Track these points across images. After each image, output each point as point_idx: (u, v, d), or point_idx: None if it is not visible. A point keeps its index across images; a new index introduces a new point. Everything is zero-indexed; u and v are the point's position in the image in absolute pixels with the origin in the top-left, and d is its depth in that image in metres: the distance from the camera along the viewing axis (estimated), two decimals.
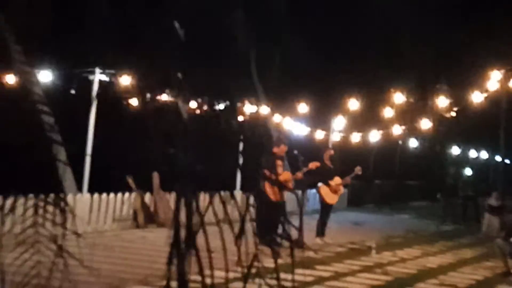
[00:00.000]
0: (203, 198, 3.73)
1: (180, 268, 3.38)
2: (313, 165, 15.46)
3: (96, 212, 15.63)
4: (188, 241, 3.39)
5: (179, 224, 3.49)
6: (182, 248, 3.39)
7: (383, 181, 31.65)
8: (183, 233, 3.52)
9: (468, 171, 24.34)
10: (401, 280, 12.20)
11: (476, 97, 14.55)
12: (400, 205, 29.72)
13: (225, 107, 18.37)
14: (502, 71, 13.73)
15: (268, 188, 14.68)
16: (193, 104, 17.04)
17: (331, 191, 16.11)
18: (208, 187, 3.81)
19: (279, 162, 15.04)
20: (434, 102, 16.20)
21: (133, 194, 16.58)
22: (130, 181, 16.53)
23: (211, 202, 3.74)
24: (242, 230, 3.92)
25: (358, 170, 16.53)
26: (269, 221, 14.56)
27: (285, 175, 15.01)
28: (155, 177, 17.03)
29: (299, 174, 15.03)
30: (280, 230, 14.69)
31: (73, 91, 13.43)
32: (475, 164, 43.36)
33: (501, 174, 27.23)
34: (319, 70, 27.60)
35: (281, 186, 14.58)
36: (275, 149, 15.17)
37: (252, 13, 25.26)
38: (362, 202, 28.16)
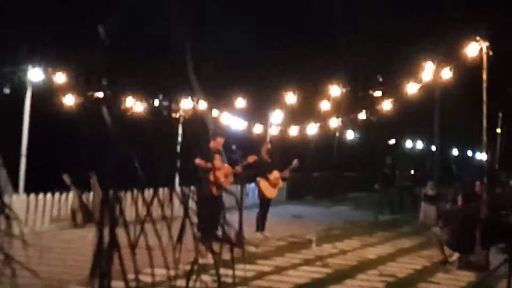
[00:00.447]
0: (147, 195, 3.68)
1: (104, 268, 3.33)
2: (251, 159, 15.47)
3: (33, 213, 15.39)
4: (111, 240, 3.33)
5: (102, 224, 3.42)
6: (105, 247, 3.33)
7: (322, 173, 31.87)
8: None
9: (388, 160, 24.62)
10: (341, 272, 12.29)
11: (411, 88, 14.73)
12: (339, 196, 29.97)
13: (160, 103, 18.29)
14: (435, 62, 13.94)
15: (208, 183, 14.69)
16: (129, 101, 16.92)
17: (270, 185, 16.14)
18: (142, 184, 3.76)
19: (216, 156, 15.02)
20: (370, 94, 16.39)
21: (71, 193, 16.37)
22: (66, 179, 16.29)
23: (146, 200, 3.69)
24: (183, 228, 3.89)
25: (295, 163, 16.58)
26: (210, 216, 14.64)
27: (225, 169, 14.99)
28: (93, 175, 16.83)
29: (238, 168, 15.03)
30: (220, 225, 14.75)
31: (7, 90, 13.17)
32: (411, 153, 44.11)
33: (436, 163, 27.68)
34: (257, 63, 27.67)
35: (219, 185, 14.60)
36: (212, 143, 15.15)
37: (188, 7, 25.19)
38: (301, 195, 28.30)
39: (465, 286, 11.79)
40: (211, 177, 14.65)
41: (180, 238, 3.84)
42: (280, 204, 22.70)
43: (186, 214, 3.95)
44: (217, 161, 14.90)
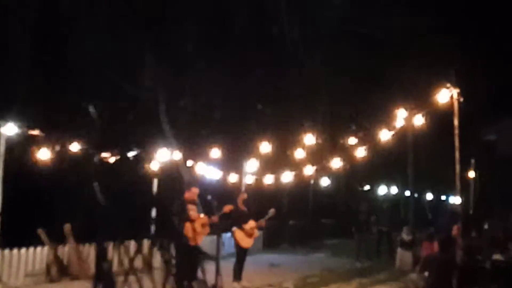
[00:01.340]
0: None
1: None
2: (227, 208, 15.46)
3: (7, 268, 15.22)
4: None
5: (100, 276, 3.43)
6: None
7: (298, 220, 31.85)
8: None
9: (363, 206, 24.69)
10: None
11: (384, 135, 14.83)
12: (316, 243, 29.94)
13: (136, 155, 18.24)
14: (408, 109, 14.08)
15: (187, 232, 14.65)
16: (105, 153, 16.88)
17: (246, 235, 16.13)
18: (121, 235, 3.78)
19: (191, 206, 14.96)
20: (344, 141, 16.48)
21: (46, 248, 16.22)
22: (42, 234, 16.17)
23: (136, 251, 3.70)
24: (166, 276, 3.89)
25: (272, 212, 16.62)
26: (188, 266, 14.60)
27: (201, 219, 14.93)
28: (67, 228, 16.73)
29: (215, 218, 14.99)
30: (198, 275, 14.66)
31: None
32: (387, 199, 44.29)
33: (411, 208, 27.80)
34: (232, 114, 27.79)
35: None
36: (187, 193, 15.11)
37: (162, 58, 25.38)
38: (277, 242, 28.22)
39: None
40: (188, 228, 14.59)
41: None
42: (256, 252, 22.63)
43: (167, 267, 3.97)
44: (192, 211, 14.85)
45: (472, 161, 32.24)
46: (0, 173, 14.99)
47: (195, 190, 15.32)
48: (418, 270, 14.29)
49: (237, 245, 16.22)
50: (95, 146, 15.83)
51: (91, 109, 24.94)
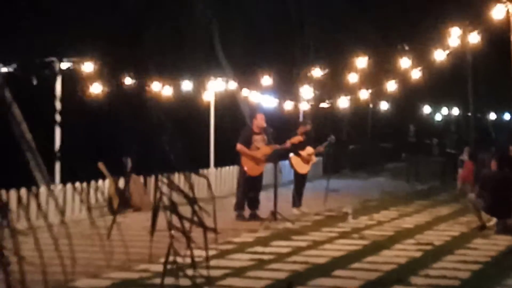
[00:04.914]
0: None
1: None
2: (295, 139, 15.60)
3: (70, 202, 15.56)
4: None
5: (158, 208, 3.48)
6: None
7: (357, 145, 31.78)
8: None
9: (411, 128, 24.35)
10: (378, 243, 12.29)
11: (439, 55, 14.60)
12: (376, 168, 29.88)
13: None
14: (462, 27, 13.80)
15: (246, 164, 14.77)
16: (156, 86, 16.96)
17: (303, 161, 16.15)
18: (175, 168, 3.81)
19: (256, 137, 14.97)
20: (397, 63, 16.24)
21: (107, 181, 16.51)
22: (102, 167, 16.44)
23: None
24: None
25: (332, 139, 16.62)
26: (249, 196, 14.79)
27: (268, 148, 14.93)
28: (128, 161, 16.98)
29: (292, 141, 15.14)
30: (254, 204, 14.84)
31: (35, 82, 13.28)
32: (449, 121, 43.77)
33: (472, 128, 27.44)
34: (284, 39, 27.55)
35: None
36: (255, 122, 15.10)
37: None
38: (337, 168, 28.21)
39: (504, 250, 11.72)
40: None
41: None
42: (317, 178, 22.65)
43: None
44: (259, 142, 14.87)
45: None
46: (58, 108, 15.24)
47: (260, 116, 15.27)
48: (477, 189, 14.20)
49: (295, 172, 16.29)
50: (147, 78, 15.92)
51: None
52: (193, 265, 3.48)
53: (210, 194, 17.62)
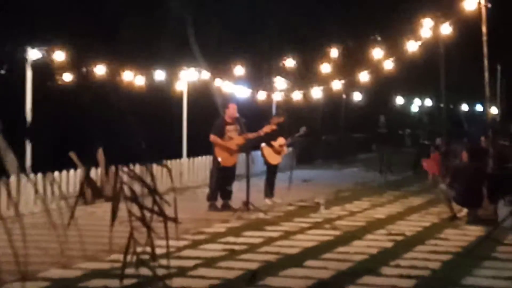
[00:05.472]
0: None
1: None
2: (268, 128, 15.58)
3: (41, 192, 15.41)
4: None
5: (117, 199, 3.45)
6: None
7: (330, 136, 31.84)
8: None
9: (382, 119, 24.40)
10: (350, 234, 12.30)
11: (411, 46, 14.64)
12: (349, 158, 29.97)
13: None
14: (434, 18, 13.84)
15: (220, 155, 14.76)
16: (128, 75, 16.84)
17: (274, 152, 16.13)
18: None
19: (229, 128, 14.93)
20: (370, 54, 16.26)
21: (78, 171, 16.40)
22: (73, 157, 16.29)
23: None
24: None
25: (303, 130, 16.62)
26: (223, 186, 14.80)
27: (240, 138, 14.93)
28: (100, 151, 16.85)
29: (251, 135, 15.08)
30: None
31: (2, 71, 13.15)
32: (422, 112, 44.02)
33: (444, 120, 27.61)
34: (256, 30, 27.51)
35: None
36: (227, 112, 15.07)
37: None
38: (311, 158, 28.27)
39: (474, 240, 11.78)
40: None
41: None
42: (288, 169, 22.63)
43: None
44: (232, 132, 14.87)
45: (498, 68, 31.91)
46: (29, 97, 15.13)
47: (233, 106, 15.24)
48: (448, 180, 14.28)
49: (266, 162, 16.28)
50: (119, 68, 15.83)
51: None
52: (153, 255, 3.45)
53: (176, 184, 17.59)
